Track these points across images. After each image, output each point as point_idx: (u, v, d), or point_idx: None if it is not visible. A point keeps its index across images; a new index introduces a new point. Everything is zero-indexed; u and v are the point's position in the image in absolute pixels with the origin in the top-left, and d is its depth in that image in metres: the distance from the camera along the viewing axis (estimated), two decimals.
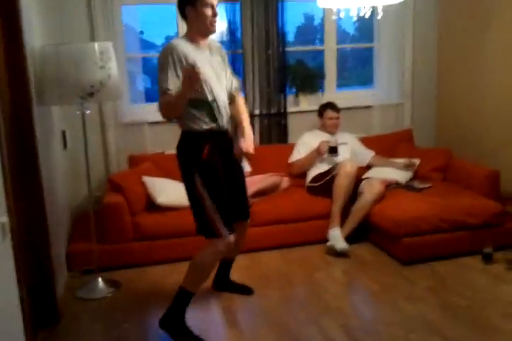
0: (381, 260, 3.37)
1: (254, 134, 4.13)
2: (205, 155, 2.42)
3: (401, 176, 3.87)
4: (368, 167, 4.02)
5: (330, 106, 4.07)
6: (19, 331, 1.89)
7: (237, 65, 4.10)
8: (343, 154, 3.88)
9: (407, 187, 3.77)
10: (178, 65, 2.36)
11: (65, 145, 3.54)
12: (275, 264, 3.36)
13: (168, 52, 2.39)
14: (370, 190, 3.52)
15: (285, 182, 3.85)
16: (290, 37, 4.46)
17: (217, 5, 2.47)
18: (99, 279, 3.08)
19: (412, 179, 3.92)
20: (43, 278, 2.61)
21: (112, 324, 2.68)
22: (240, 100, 2.71)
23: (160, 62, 2.41)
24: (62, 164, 3.45)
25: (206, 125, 2.44)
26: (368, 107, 4.49)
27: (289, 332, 2.53)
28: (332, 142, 3.79)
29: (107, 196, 3.38)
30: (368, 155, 4.08)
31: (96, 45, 2.83)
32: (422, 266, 3.22)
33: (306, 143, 4.01)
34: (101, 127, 3.95)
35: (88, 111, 3.02)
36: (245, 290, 2.95)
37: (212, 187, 2.43)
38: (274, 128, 4.29)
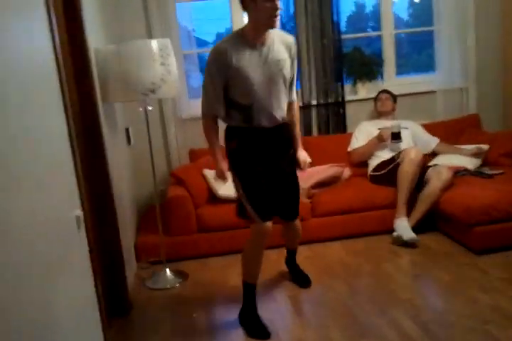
0: (452, 250, 3.24)
1: (312, 124, 4.19)
2: (234, 146, 2.50)
3: (470, 162, 3.71)
4: (434, 154, 3.88)
5: (382, 90, 4.06)
6: (96, 320, 1.97)
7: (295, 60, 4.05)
8: (405, 140, 3.77)
9: (477, 173, 3.61)
10: (222, 72, 2.36)
11: (128, 142, 3.64)
12: (339, 255, 3.32)
13: (213, 58, 2.37)
14: (438, 177, 3.39)
15: (346, 172, 3.78)
16: (342, 26, 4.36)
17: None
18: (167, 270, 3.16)
19: (481, 165, 3.75)
20: (114, 268, 2.70)
21: (181, 313, 2.73)
22: (294, 110, 2.71)
23: (206, 68, 2.43)
24: (128, 160, 3.55)
25: (241, 123, 2.49)
26: (431, 92, 4.34)
27: (356, 324, 2.48)
28: (395, 127, 3.68)
29: (170, 190, 3.46)
30: (432, 141, 3.94)
31: (155, 42, 2.88)
32: (496, 255, 3.07)
33: (364, 130, 3.94)
34: (161, 123, 4.04)
35: (150, 108, 3.08)
36: (305, 282, 2.93)
37: (243, 177, 2.49)
38: (332, 118, 4.23)
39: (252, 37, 2.38)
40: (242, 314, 2.57)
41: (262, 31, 2.38)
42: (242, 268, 2.57)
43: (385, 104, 4.00)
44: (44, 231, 1.48)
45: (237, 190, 2.53)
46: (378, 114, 4.07)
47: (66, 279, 1.64)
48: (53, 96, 1.77)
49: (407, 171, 3.42)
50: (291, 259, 3.04)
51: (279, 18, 2.33)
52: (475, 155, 3.75)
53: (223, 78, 2.37)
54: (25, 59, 1.51)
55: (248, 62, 2.36)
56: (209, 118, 2.51)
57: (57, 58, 1.83)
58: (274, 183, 2.56)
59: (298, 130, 2.77)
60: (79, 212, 1.84)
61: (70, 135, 1.86)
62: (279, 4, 2.31)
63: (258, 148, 2.52)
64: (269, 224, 2.48)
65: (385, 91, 4.06)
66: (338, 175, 3.71)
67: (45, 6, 1.76)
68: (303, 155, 2.75)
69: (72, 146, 1.88)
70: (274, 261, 3.29)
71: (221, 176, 2.57)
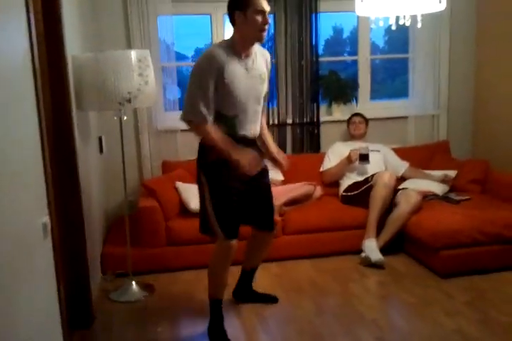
0: (418, 272, 3.28)
1: (286, 143, 4.23)
2: (212, 157, 2.41)
3: (438, 188, 3.80)
4: (403, 178, 3.95)
5: (354, 114, 4.14)
6: (57, 331, 1.90)
7: (270, 74, 4.10)
8: (377, 162, 3.85)
9: (445, 198, 3.69)
10: (213, 78, 2.30)
11: (101, 150, 3.59)
12: (307, 274, 3.31)
13: (208, 61, 2.31)
14: (407, 200, 3.45)
15: (318, 191, 3.81)
16: (319, 49, 4.46)
17: (268, 13, 2.34)
18: (133, 282, 3.09)
19: (449, 191, 3.84)
20: (78, 279, 2.63)
21: (145, 327, 2.67)
22: (263, 122, 2.68)
23: (195, 72, 2.35)
24: (98, 168, 3.50)
25: (227, 134, 2.42)
26: (403, 118, 4.44)
27: None
28: (363, 149, 3.75)
29: (141, 201, 3.41)
30: (402, 166, 4.02)
31: (135, 52, 2.87)
32: (461, 279, 3.12)
33: (337, 151, 4.00)
34: (135, 133, 4.01)
35: (125, 117, 3.05)
36: (270, 299, 2.90)
37: (216, 193, 2.43)
38: (307, 138, 4.28)
39: (239, 49, 2.39)
40: (211, 329, 2.53)
41: (250, 44, 2.41)
42: (208, 284, 2.55)
43: (358, 128, 4.08)
44: (8, 237, 1.43)
45: (205, 205, 2.47)
46: (351, 137, 4.14)
47: (28, 288, 1.58)
48: (27, 101, 1.74)
49: (380, 194, 3.48)
50: (248, 282, 2.91)
51: (266, 32, 2.37)
52: (442, 181, 3.84)
53: (214, 83, 2.31)
54: (1, 60, 1.49)
55: (236, 72, 2.36)
56: (198, 123, 2.37)
57: (33, 62, 1.81)
58: (251, 194, 2.55)
59: (270, 136, 2.75)
60: (46, 219, 1.79)
61: (41, 141, 1.83)
62: (268, 19, 2.35)
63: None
64: (234, 241, 2.47)
65: (358, 114, 4.14)
66: (310, 193, 3.74)
67: (24, 8, 1.74)
68: (275, 150, 2.69)
69: (42, 152, 1.85)
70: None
71: (259, 161, 2.44)
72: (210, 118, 2.37)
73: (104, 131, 3.64)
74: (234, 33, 2.41)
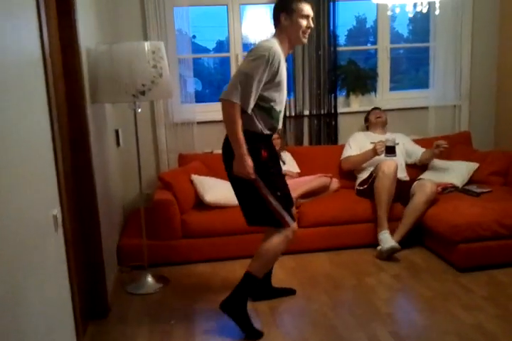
0: (436, 266, 3.23)
1: (303, 135, 4.19)
2: (265, 156, 2.46)
3: (457, 179, 3.71)
4: (424, 168, 3.87)
5: (373, 108, 4.07)
6: (70, 323, 1.92)
7: (287, 65, 4.06)
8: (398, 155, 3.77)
9: (465, 191, 3.61)
10: (269, 70, 2.34)
11: (118, 143, 3.61)
12: (323, 267, 3.29)
13: (270, 54, 2.32)
14: (422, 190, 3.38)
15: (335, 183, 3.77)
16: (342, 40, 4.40)
17: (312, 17, 2.48)
18: (148, 275, 3.11)
19: (469, 183, 3.75)
20: (94, 271, 2.65)
21: (159, 319, 2.68)
22: None
23: (256, 60, 2.32)
24: (115, 162, 3.52)
25: (267, 129, 2.48)
26: (423, 108, 4.35)
27: (336, 337, 2.45)
28: (390, 141, 3.67)
29: (157, 193, 3.42)
30: (419, 151, 3.93)
31: (148, 44, 2.86)
32: (480, 273, 3.06)
33: (357, 140, 3.93)
34: (152, 126, 4.02)
35: (139, 110, 3.05)
36: (289, 292, 2.90)
37: (272, 183, 2.47)
38: (324, 129, 4.23)
39: (285, 49, 2.48)
40: (232, 303, 2.51)
41: (293, 45, 2.54)
42: (255, 261, 2.54)
43: (381, 121, 4.00)
44: (18, 229, 1.44)
45: (263, 198, 2.44)
46: (372, 126, 4.04)
47: (39, 281, 1.60)
48: (38, 94, 1.75)
49: (381, 185, 3.41)
50: (268, 278, 2.85)
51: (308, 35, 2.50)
52: (437, 147, 3.69)
53: (267, 77, 2.35)
54: (11, 54, 1.49)
55: (284, 69, 2.45)
56: (237, 108, 2.32)
57: (44, 56, 1.81)
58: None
59: None
60: (56, 211, 1.80)
61: (52, 133, 1.84)
62: (312, 23, 2.48)
63: (274, 153, 2.62)
64: (296, 224, 2.62)
65: (377, 108, 4.09)
66: (326, 185, 3.70)
67: (35, 1, 1.74)
68: None
69: (54, 145, 1.85)
70: None
71: (251, 172, 2.38)
72: (246, 108, 2.35)
73: (121, 124, 3.65)
74: (278, 33, 2.49)
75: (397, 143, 3.80)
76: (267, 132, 2.48)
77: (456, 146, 4.13)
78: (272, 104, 2.43)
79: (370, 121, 4.05)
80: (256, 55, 2.34)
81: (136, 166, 3.10)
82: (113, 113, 3.54)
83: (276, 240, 2.52)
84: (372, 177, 3.56)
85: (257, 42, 2.52)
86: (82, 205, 2.57)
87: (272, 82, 2.38)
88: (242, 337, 2.47)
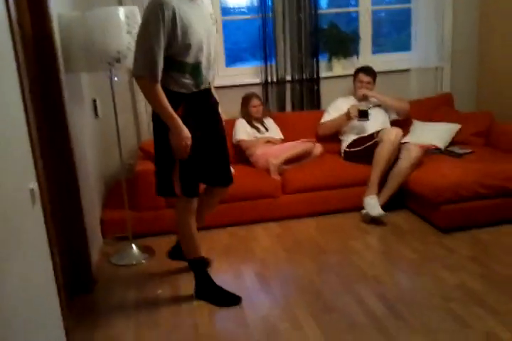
0: (419, 228, 3.26)
1: (286, 100, 4.13)
2: (180, 114, 2.24)
3: (440, 141, 3.72)
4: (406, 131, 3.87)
5: (363, 69, 3.93)
6: (54, 299, 1.90)
7: (267, 29, 3.97)
8: (378, 118, 3.75)
9: (447, 152, 3.63)
10: (167, 27, 2.09)
11: (96, 114, 3.52)
12: (308, 232, 3.30)
13: (158, 8, 2.07)
14: (408, 155, 3.38)
15: (318, 148, 3.75)
16: (323, 3, 4.27)
17: None
18: (133, 246, 3.10)
19: (452, 144, 3.76)
20: (77, 244, 2.63)
21: (145, 290, 2.69)
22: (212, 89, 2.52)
23: (145, 22, 2.11)
24: (94, 132, 3.44)
25: (186, 86, 2.27)
26: (406, 71, 4.31)
27: (323, 300, 2.48)
28: (363, 105, 3.64)
29: (138, 164, 3.37)
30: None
31: (122, 9, 2.74)
32: (463, 234, 3.11)
33: (337, 106, 3.89)
34: (131, 95, 3.91)
35: (116, 78, 2.96)
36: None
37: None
38: (306, 94, 4.17)
39: None
40: (200, 289, 2.55)
41: None
42: (183, 246, 2.54)
43: (367, 82, 3.88)
44: None
45: (166, 164, 2.34)
46: (355, 96, 3.96)
47: (18, 258, 1.56)
48: (6, 61, 1.66)
49: (385, 151, 3.39)
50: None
51: None
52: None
53: (168, 34, 2.12)
54: None
55: (191, 15, 2.19)
56: (150, 79, 2.15)
57: (10, 20, 1.71)
58: (211, 149, 2.45)
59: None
60: (33, 185, 1.75)
61: (24, 103, 1.76)
62: None
63: (202, 114, 2.38)
64: (196, 200, 2.45)
65: (367, 71, 3.89)
66: (309, 150, 3.68)
67: None
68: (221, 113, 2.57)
69: (26, 115, 1.78)
70: (242, 237, 3.27)
71: (188, 143, 2.25)
72: (158, 75, 2.15)
73: (99, 94, 3.55)
74: None
75: (370, 107, 3.75)
76: (185, 89, 2.27)
77: (439, 108, 4.13)
78: (180, 58, 2.21)
79: (355, 85, 3.95)
80: (143, 19, 2.13)
81: (116, 136, 3.03)
82: (90, 82, 3.43)
83: (179, 217, 2.46)
84: (373, 141, 3.53)
85: None
86: (61, 178, 2.51)
87: (181, 33, 2.14)
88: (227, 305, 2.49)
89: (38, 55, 2.40)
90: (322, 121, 3.91)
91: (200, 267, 2.56)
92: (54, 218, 2.10)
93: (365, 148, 3.57)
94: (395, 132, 3.45)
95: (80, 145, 2.83)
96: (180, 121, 2.21)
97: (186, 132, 2.23)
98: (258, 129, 3.80)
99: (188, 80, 2.27)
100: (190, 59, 2.23)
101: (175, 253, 2.87)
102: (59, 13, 2.65)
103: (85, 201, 2.71)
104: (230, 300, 2.49)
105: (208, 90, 2.42)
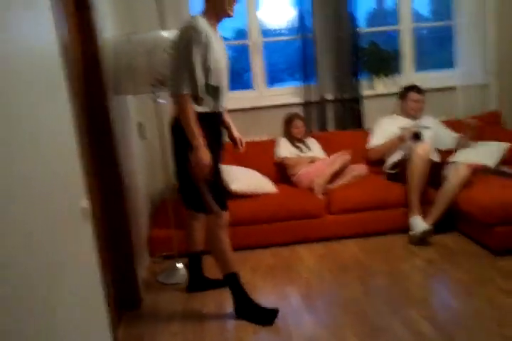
0: (471, 250, 3.14)
1: (327, 120, 4.12)
2: (203, 135, 2.34)
3: (490, 160, 3.59)
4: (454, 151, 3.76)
5: (414, 88, 3.86)
6: (103, 314, 1.92)
7: (307, 49, 4.00)
8: (426, 140, 3.67)
9: (497, 172, 3.50)
10: (203, 50, 2.28)
11: (142, 136, 3.60)
12: (353, 253, 3.24)
13: (195, 30, 2.26)
14: (455, 174, 3.29)
15: (363, 169, 3.70)
16: (361, 22, 4.27)
17: None
18: (180, 264, 3.11)
19: (501, 164, 3.63)
20: (124, 262, 2.66)
21: (192, 309, 2.68)
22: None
23: (183, 44, 2.28)
24: (140, 154, 3.52)
25: (209, 108, 2.40)
26: (451, 89, 4.23)
27: (370, 323, 2.40)
28: (415, 127, 3.58)
29: None
30: (453, 138, 3.82)
31: (166, 33, 2.83)
32: None
33: (384, 128, 3.84)
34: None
35: (162, 101, 3.03)
36: (220, 284, 2.79)
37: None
38: (348, 114, 4.14)
39: (213, 23, 2.42)
40: (239, 306, 2.54)
41: (221, 19, 2.45)
42: (217, 263, 2.55)
43: (419, 108, 3.82)
44: (45, 224, 1.44)
45: (194, 181, 2.41)
46: (405, 114, 3.88)
47: (70, 275, 1.59)
48: (57, 87, 1.73)
49: (415, 167, 3.32)
50: (198, 266, 2.89)
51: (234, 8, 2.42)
52: (467, 125, 3.61)
53: (202, 56, 2.30)
54: (27, 48, 1.47)
55: (215, 42, 2.37)
56: (189, 97, 2.31)
57: (63, 50, 1.78)
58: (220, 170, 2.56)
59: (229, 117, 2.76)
60: (85, 203, 1.80)
61: (75, 127, 1.82)
62: None
63: (217, 135, 2.52)
64: (226, 213, 2.50)
65: (419, 90, 3.83)
66: (347, 162, 3.65)
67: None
68: (237, 133, 2.77)
69: (77, 135, 1.84)
70: (285, 257, 3.23)
71: (208, 165, 2.34)
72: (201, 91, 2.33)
73: (144, 117, 3.64)
74: (206, 7, 2.41)
75: (429, 127, 3.68)
76: (208, 110, 2.39)
77: (487, 126, 4.00)
78: (208, 79, 2.36)
79: (406, 104, 3.85)
80: (181, 42, 2.30)
81: (161, 158, 3.08)
82: (136, 105, 3.53)
83: (210, 230, 2.51)
84: (404, 160, 3.47)
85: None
86: (109, 196, 2.56)
87: (210, 59, 2.31)
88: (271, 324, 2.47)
89: (86, 77, 2.48)
90: (371, 145, 3.84)
91: (235, 282, 2.55)
92: (103, 235, 2.14)
93: (402, 169, 3.49)
94: (422, 147, 3.37)
95: (128, 165, 2.90)
96: (203, 142, 2.31)
97: (207, 152, 2.33)
98: (300, 149, 3.80)
99: (209, 101, 2.39)
100: (212, 81, 2.37)
101: (192, 286, 2.88)
102: (105, 38, 2.75)
103: (133, 219, 2.75)
104: (268, 316, 2.48)
105: (221, 113, 2.55)
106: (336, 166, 3.58)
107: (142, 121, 3.59)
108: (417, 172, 3.32)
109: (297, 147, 3.80)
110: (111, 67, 2.78)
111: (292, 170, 3.71)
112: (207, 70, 2.33)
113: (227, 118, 2.71)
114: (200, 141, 2.30)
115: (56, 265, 1.47)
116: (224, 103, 2.51)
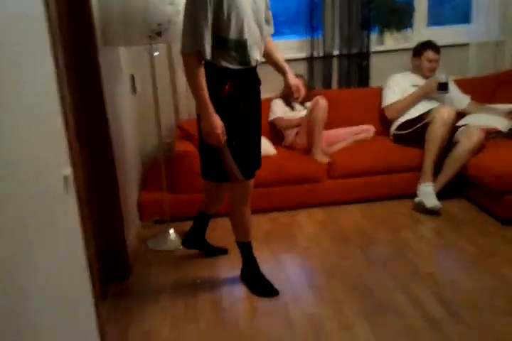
0: (479, 219, 3.01)
1: (332, 77, 3.87)
2: (227, 91, 2.13)
3: (502, 124, 3.40)
4: (463, 114, 3.55)
5: (431, 46, 3.56)
6: (87, 289, 1.79)
7: None
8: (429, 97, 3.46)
9: (510, 136, 3.31)
10: (214, 2, 1.98)
11: (134, 90, 3.36)
12: (355, 220, 3.10)
13: None
14: (468, 138, 3.10)
15: (370, 131, 3.51)
16: None
17: None
18: (171, 230, 2.97)
19: None
20: (113, 228, 2.50)
21: (184, 278, 2.56)
22: (272, 44, 2.40)
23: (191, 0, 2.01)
24: (131, 110, 3.29)
25: (235, 63, 2.14)
26: (464, 45, 3.96)
27: (375, 299, 2.28)
28: (441, 78, 3.35)
29: (177, 144, 3.21)
30: (464, 100, 3.60)
31: None
32: None
33: (399, 83, 3.58)
34: (170, 71, 3.72)
35: (156, 53, 2.79)
36: (220, 251, 2.77)
37: (232, 131, 2.16)
38: (355, 70, 3.89)
39: None
40: (246, 273, 2.48)
41: None
42: (234, 229, 2.44)
43: (434, 68, 3.56)
44: (25, 195, 1.26)
45: (214, 149, 2.19)
46: (416, 71, 3.63)
47: (50, 244, 1.43)
48: (40, 37, 1.49)
49: (437, 133, 3.13)
50: (203, 228, 2.76)
51: None
52: (509, 115, 3.43)
53: (214, 9, 2.00)
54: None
55: None
56: (196, 58, 2.04)
57: None
58: (253, 130, 2.31)
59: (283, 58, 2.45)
60: (67, 171, 1.61)
61: (58, 81, 1.60)
62: None
63: (248, 92, 2.23)
64: (252, 182, 2.32)
65: (436, 48, 3.54)
66: (367, 138, 3.49)
67: None
68: (294, 79, 2.40)
69: (60, 93, 1.62)
70: (283, 224, 3.09)
71: (220, 134, 2.13)
72: (204, 52, 2.03)
73: (137, 69, 3.38)
74: None
75: (448, 78, 3.46)
76: (234, 65, 2.13)
77: (500, 87, 3.79)
78: (223, 34, 2.06)
79: (421, 62, 3.58)
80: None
81: (154, 114, 2.87)
82: (128, 57, 3.26)
83: (233, 199, 2.36)
84: (422, 122, 3.26)
85: None
86: (96, 159, 2.37)
87: (228, 8, 2.01)
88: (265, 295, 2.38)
89: (74, 27, 2.23)
90: (388, 102, 3.57)
91: (249, 251, 2.47)
92: (89, 200, 1.97)
93: (415, 131, 3.30)
94: (447, 111, 3.17)
95: (117, 122, 2.69)
96: (212, 108, 2.08)
97: (217, 120, 2.10)
98: (292, 107, 3.58)
99: (233, 57, 2.12)
100: (232, 35, 2.08)
101: (188, 241, 2.76)
102: None
103: (122, 181, 2.57)
104: (267, 290, 2.40)
105: (254, 69, 2.25)
106: (353, 141, 3.42)
107: (134, 74, 3.34)
108: (438, 137, 3.13)
109: (291, 107, 3.59)
110: (101, 15, 2.51)
111: (286, 131, 3.53)
112: (223, 22, 2.04)
113: (283, 65, 2.40)
114: (208, 106, 2.06)
115: (34, 233, 1.31)
116: (257, 56, 2.19)
